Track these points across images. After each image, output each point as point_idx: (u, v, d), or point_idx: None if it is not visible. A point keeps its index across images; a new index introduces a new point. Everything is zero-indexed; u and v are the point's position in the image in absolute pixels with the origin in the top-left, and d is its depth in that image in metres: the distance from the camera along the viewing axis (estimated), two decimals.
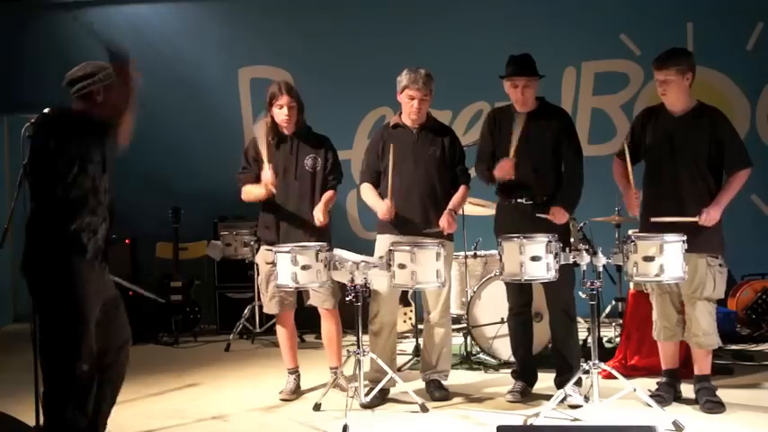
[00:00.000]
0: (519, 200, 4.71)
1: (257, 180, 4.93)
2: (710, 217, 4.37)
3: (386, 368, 4.65)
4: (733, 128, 4.57)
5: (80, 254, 3.47)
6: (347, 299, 4.52)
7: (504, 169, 4.63)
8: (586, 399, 4.32)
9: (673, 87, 4.47)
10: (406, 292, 6.30)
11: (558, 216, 4.57)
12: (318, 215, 4.85)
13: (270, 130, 4.97)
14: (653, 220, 4.39)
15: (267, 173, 4.82)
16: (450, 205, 4.82)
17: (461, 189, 4.92)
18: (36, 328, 3.52)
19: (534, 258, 4.25)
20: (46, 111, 4.20)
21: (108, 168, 3.58)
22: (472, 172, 5.02)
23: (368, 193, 4.95)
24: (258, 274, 5.26)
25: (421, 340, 5.24)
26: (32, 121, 4.16)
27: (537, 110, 4.76)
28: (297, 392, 5.07)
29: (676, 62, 4.45)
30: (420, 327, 5.63)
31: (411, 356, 5.91)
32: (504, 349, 5.37)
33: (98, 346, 3.57)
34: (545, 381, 4.89)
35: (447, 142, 4.91)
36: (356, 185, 5.44)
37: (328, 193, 4.98)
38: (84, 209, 3.47)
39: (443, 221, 4.74)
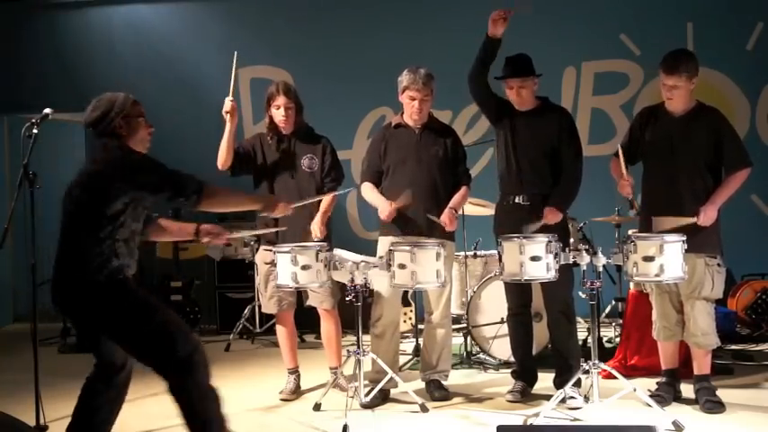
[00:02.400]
0: (518, 200, 4.71)
1: (240, 163, 4.98)
2: (707, 216, 4.37)
3: (386, 368, 4.65)
4: (732, 128, 4.57)
5: (121, 285, 3.49)
6: (347, 299, 4.52)
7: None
8: (586, 399, 4.32)
9: (681, 93, 4.46)
10: (407, 292, 6.30)
11: (551, 216, 4.54)
12: (315, 229, 4.85)
13: (268, 129, 5.00)
14: (655, 230, 4.37)
15: (227, 103, 4.85)
16: (451, 203, 4.82)
17: (462, 189, 4.92)
18: (125, 348, 3.52)
19: (534, 258, 4.25)
20: (47, 111, 4.21)
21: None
22: (473, 172, 5.02)
23: (369, 191, 4.95)
24: (258, 275, 5.26)
25: (421, 340, 5.25)
26: (33, 120, 4.17)
27: (537, 109, 4.76)
28: (297, 392, 5.07)
29: (687, 68, 4.42)
30: (420, 327, 5.64)
31: (411, 356, 5.91)
32: (504, 349, 5.36)
33: (116, 359, 3.59)
34: (545, 381, 4.89)
35: (449, 142, 4.91)
36: (356, 186, 5.45)
37: (326, 202, 4.96)
38: (125, 247, 3.48)
39: (445, 218, 4.73)
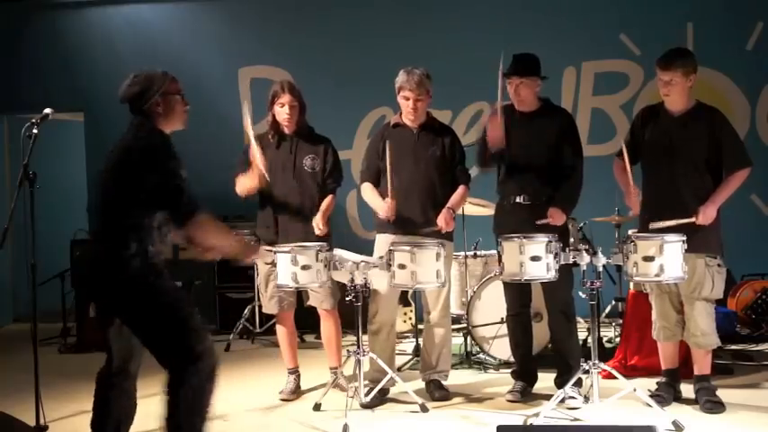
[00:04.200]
0: (518, 200, 4.71)
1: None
2: (706, 215, 4.36)
3: (386, 368, 4.65)
4: (732, 127, 4.56)
5: (154, 273, 3.50)
6: (347, 299, 4.52)
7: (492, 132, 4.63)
8: (586, 399, 4.32)
9: (677, 89, 4.47)
10: (406, 292, 6.30)
11: (556, 217, 4.55)
12: (318, 224, 4.86)
13: (270, 128, 5.00)
14: (652, 227, 4.38)
15: (253, 179, 4.83)
16: (449, 204, 4.82)
17: (461, 189, 4.91)
18: (140, 335, 3.50)
19: (534, 258, 4.25)
20: (47, 111, 4.21)
21: None
22: (473, 172, 5.02)
23: (368, 192, 4.95)
24: (258, 275, 5.26)
25: (421, 340, 5.25)
26: (33, 120, 4.17)
27: (539, 110, 4.76)
28: (297, 392, 5.07)
29: (683, 63, 4.44)
30: (420, 327, 5.63)
31: (411, 356, 5.91)
32: (504, 349, 5.36)
33: (124, 355, 3.59)
34: (545, 381, 4.89)
35: (447, 142, 4.91)
36: (356, 185, 5.45)
37: (327, 200, 4.97)
38: (159, 236, 3.49)
39: (441, 219, 4.73)
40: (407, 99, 4.80)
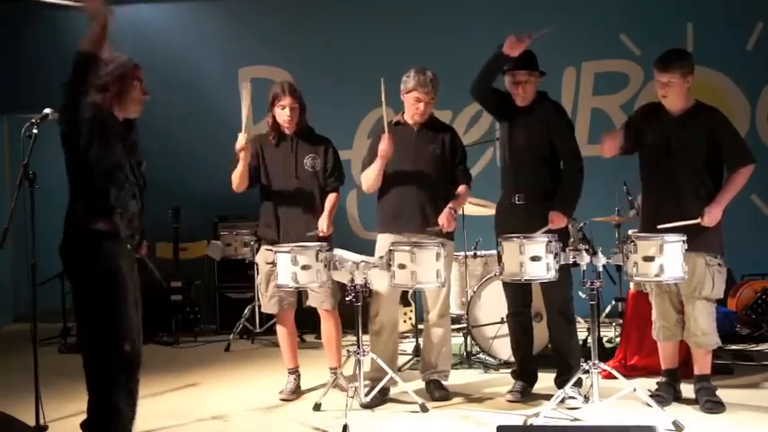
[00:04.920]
0: (518, 200, 4.71)
1: (250, 174, 4.96)
2: (712, 216, 4.36)
3: (386, 368, 4.65)
4: (732, 126, 4.56)
5: (113, 234, 3.46)
6: (347, 299, 4.52)
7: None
8: (586, 399, 4.32)
9: (675, 90, 4.46)
10: (406, 291, 6.30)
11: (557, 221, 4.54)
12: (323, 224, 4.86)
13: (271, 129, 5.00)
14: (659, 227, 4.37)
15: (241, 139, 4.81)
16: (450, 203, 4.82)
17: (462, 188, 4.92)
18: (77, 314, 3.52)
19: (534, 258, 4.25)
20: (47, 111, 4.20)
21: (133, 152, 3.59)
22: (473, 172, 5.02)
23: (366, 171, 4.91)
24: (258, 274, 5.26)
25: (421, 340, 5.25)
26: (33, 120, 4.17)
27: (532, 105, 4.75)
28: (297, 392, 5.07)
29: (680, 65, 4.44)
30: (420, 327, 5.64)
31: (411, 356, 5.91)
32: (504, 349, 5.37)
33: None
34: (545, 381, 4.89)
35: (448, 141, 4.92)
36: (356, 185, 5.44)
37: (331, 199, 4.99)
38: (111, 183, 3.47)
39: (443, 218, 4.73)
40: (419, 101, 4.80)
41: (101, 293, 3.44)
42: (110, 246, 3.45)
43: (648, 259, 4.14)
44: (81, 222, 3.45)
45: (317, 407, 4.70)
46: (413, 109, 4.84)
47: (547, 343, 5.26)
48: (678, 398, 4.65)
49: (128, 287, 3.49)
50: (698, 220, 4.33)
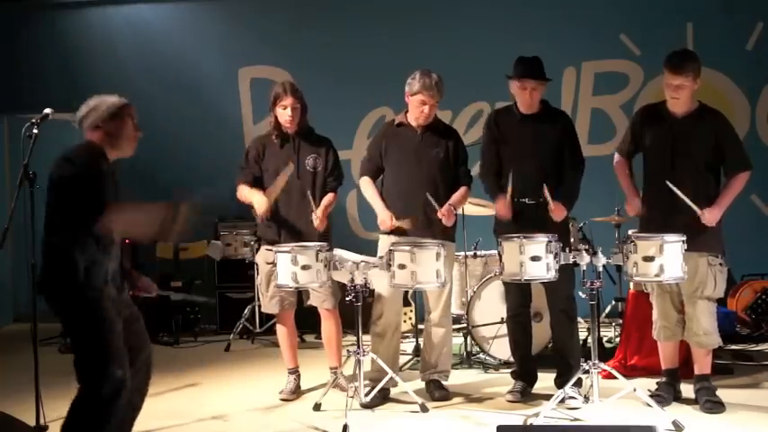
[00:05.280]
0: (520, 200, 4.71)
1: (255, 181, 4.98)
2: (712, 216, 4.37)
3: (386, 368, 4.65)
4: (734, 130, 4.58)
5: (93, 287, 3.44)
6: (347, 299, 4.52)
7: (500, 211, 4.68)
8: (586, 399, 4.32)
9: (686, 93, 4.45)
10: (407, 292, 6.30)
11: (558, 212, 4.57)
12: (318, 216, 4.86)
13: (273, 129, 5.01)
14: (668, 183, 4.34)
15: (263, 204, 4.84)
16: (451, 200, 4.83)
17: (462, 189, 4.93)
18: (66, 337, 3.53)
19: (534, 258, 4.25)
20: (47, 111, 4.20)
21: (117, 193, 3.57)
22: (473, 172, 5.02)
23: (368, 188, 4.95)
24: (258, 274, 5.26)
25: (421, 340, 5.24)
26: (33, 120, 4.17)
27: (540, 113, 4.76)
28: (297, 392, 5.07)
29: (693, 67, 4.42)
30: (420, 327, 5.64)
31: (411, 356, 5.91)
32: (504, 349, 5.36)
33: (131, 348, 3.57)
34: (545, 381, 4.89)
35: (451, 143, 4.92)
36: (356, 186, 5.44)
37: (329, 197, 4.99)
38: (96, 245, 3.44)
39: (443, 210, 4.73)
40: (424, 103, 4.79)
41: (87, 333, 3.42)
42: (93, 296, 3.42)
43: (648, 259, 4.14)
44: (60, 255, 3.41)
45: (317, 407, 4.70)
46: (417, 112, 4.84)
47: (547, 343, 5.26)
48: (678, 398, 4.65)
49: (110, 318, 3.45)
50: (701, 211, 4.33)
